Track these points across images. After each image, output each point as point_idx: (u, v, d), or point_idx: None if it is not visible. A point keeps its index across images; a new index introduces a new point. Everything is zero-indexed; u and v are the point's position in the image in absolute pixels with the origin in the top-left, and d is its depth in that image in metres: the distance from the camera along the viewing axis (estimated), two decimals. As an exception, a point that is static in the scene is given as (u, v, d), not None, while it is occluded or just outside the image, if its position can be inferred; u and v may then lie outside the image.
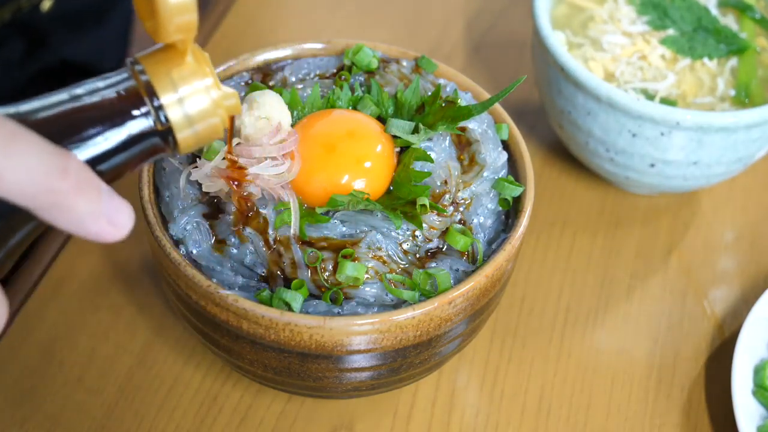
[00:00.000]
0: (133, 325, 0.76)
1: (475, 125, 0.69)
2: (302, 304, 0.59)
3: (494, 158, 0.68)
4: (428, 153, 0.65)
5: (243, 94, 0.71)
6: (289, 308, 0.58)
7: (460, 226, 0.64)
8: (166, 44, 0.47)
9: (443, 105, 0.67)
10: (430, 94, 0.70)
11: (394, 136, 0.67)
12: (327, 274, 0.60)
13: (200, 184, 0.63)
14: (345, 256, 0.60)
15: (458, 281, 0.61)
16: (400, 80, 0.72)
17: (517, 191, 0.66)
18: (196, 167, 0.62)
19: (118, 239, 0.42)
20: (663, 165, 0.80)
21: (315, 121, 0.67)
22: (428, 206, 0.63)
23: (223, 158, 0.60)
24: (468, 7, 1.10)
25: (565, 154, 0.93)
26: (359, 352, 0.59)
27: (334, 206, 0.62)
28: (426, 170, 0.64)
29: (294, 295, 0.58)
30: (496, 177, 0.68)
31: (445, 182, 0.65)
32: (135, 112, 0.45)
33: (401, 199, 0.65)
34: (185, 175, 0.63)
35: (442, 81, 0.73)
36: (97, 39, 1.15)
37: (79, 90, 0.44)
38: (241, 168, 0.60)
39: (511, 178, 0.68)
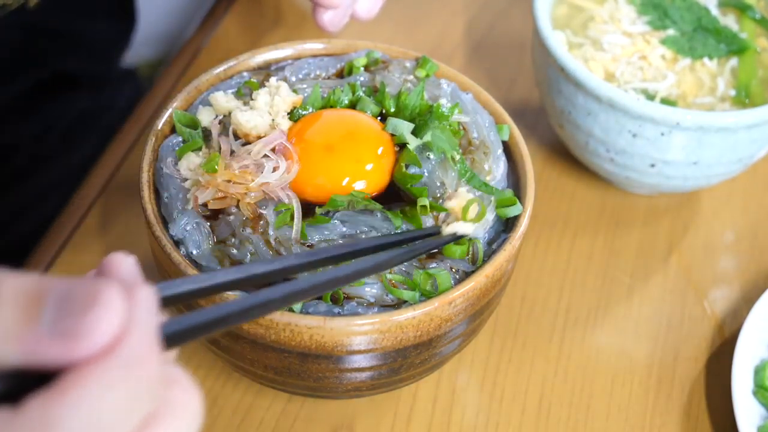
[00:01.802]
0: (133, 325, 0.76)
1: (475, 133, 0.69)
2: (302, 304, 0.59)
3: (494, 167, 0.68)
4: (426, 154, 0.65)
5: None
6: (290, 308, 0.58)
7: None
8: None
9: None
10: (429, 98, 0.70)
11: (393, 135, 0.67)
12: None
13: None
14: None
15: (458, 281, 0.61)
16: (403, 81, 0.72)
17: (515, 211, 0.66)
18: (201, 187, 0.62)
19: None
20: (663, 165, 0.80)
21: (315, 121, 0.67)
22: (428, 207, 0.63)
23: (227, 180, 0.61)
24: (468, 7, 1.10)
25: (565, 154, 0.93)
26: (359, 352, 0.59)
27: (334, 207, 0.62)
28: (421, 173, 0.65)
29: None
30: (494, 182, 0.67)
31: (443, 183, 0.65)
32: None
33: (401, 200, 0.65)
34: (191, 198, 0.63)
35: (443, 81, 0.73)
36: (93, 40, 1.14)
37: None
38: (243, 181, 0.61)
39: (509, 193, 0.67)
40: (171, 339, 0.38)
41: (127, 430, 0.34)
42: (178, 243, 0.62)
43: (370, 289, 0.60)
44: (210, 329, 0.41)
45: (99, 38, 1.14)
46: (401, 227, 0.62)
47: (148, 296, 0.36)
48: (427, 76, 0.73)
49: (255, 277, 0.47)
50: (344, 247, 0.55)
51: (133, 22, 1.17)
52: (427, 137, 0.65)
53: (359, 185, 0.64)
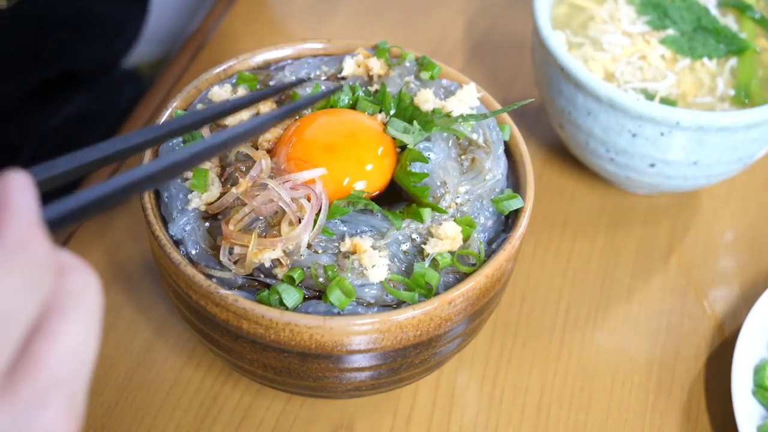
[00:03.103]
0: (133, 325, 0.76)
1: (477, 133, 0.69)
2: (296, 298, 0.58)
3: (494, 166, 0.68)
4: (427, 153, 0.65)
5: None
6: (281, 301, 0.58)
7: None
8: None
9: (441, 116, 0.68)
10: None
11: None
12: (321, 279, 0.60)
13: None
14: (347, 256, 0.60)
15: (458, 281, 0.61)
16: (405, 82, 0.72)
17: (516, 204, 0.66)
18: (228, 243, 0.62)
19: None
20: (663, 165, 0.80)
21: (314, 122, 0.67)
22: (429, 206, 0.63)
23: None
24: (468, 7, 1.10)
25: (565, 154, 0.93)
26: (359, 351, 0.59)
27: (337, 215, 0.62)
28: (424, 171, 0.64)
29: (286, 287, 0.58)
30: (495, 181, 0.67)
31: (445, 183, 0.65)
32: None
33: (401, 200, 0.65)
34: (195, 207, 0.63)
35: (444, 81, 0.73)
36: (106, 22, 1.12)
37: None
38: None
39: (510, 191, 0.67)
40: (55, 223, 0.37)
41: (22, 320, 0.33)
42: (177, 243, 0.62)
43: (369, 289, 0.60)
44: (93, 210, 0.39)
45: (113, 20, 1.11)
46: (401, 227, 0.62)
47: (20, 179, 0.34)
48: (432, 78, 0.73)
49: (129, 150, 0.45)
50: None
51: (145, 2, 1.16)
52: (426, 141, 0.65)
53: (360, 185, 0.64)
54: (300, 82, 0.62)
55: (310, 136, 0.65)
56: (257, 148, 0.66)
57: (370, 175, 0.64)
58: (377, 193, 0.65)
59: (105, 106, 1.14)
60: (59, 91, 1.09)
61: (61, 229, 0.38)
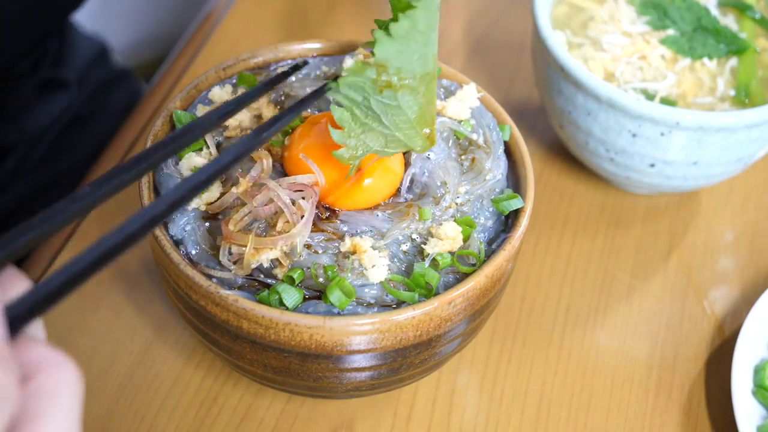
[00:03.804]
0: (133, 325, 0.76)
1: (477, 133, 0.69)
2: (296, 298, 0.58)
3: (494, 166, 0.68)
4: (427, 153, 0.65)
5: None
6: (281, 301, 0.58)
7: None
8: None
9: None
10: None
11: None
12: (321, 279, 0.60)
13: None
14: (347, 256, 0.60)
15: (458, 281, 0.61)
16: None
17: (516, 204, 0.66)
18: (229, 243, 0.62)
19: None
20: (663, 165, 0.80)
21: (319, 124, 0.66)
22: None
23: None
24: (468, 7, 1.10)
25: (565, 154, 0.93)
26: (359, 352, 0.59)
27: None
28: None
29: (285, 287, 0.58)
30: (495, 181, 0.67)
31: (445, 183, 0.65)
32: None
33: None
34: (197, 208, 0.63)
35: (444, 81, 0.73)
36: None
37: None
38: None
39: (510, 191, 0.67)
40: (24, 317, 0.35)
41: None
42: (177, 243, 0.62)
43: (369, 289, 0.60)
44: (64, 292, 0.37)
45: None
46: (401, 225, 0.62)
47: None
48: None
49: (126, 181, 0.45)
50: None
51: None
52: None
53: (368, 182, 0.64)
54: (295, 68, 0.61)
55: (312, 138, 0.65)
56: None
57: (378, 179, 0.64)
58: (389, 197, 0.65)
59: (98, 107, 1.13)
60: (48, 92, 1.08)
61: (32, 320, 0.36)
